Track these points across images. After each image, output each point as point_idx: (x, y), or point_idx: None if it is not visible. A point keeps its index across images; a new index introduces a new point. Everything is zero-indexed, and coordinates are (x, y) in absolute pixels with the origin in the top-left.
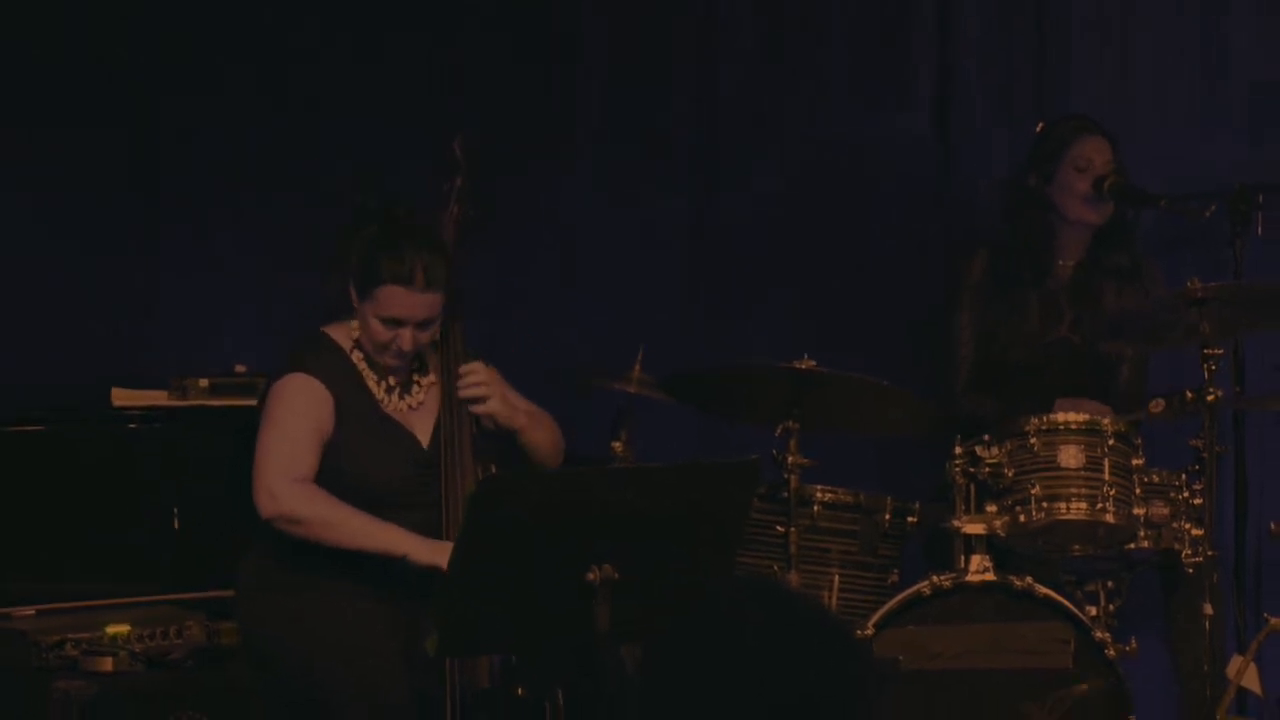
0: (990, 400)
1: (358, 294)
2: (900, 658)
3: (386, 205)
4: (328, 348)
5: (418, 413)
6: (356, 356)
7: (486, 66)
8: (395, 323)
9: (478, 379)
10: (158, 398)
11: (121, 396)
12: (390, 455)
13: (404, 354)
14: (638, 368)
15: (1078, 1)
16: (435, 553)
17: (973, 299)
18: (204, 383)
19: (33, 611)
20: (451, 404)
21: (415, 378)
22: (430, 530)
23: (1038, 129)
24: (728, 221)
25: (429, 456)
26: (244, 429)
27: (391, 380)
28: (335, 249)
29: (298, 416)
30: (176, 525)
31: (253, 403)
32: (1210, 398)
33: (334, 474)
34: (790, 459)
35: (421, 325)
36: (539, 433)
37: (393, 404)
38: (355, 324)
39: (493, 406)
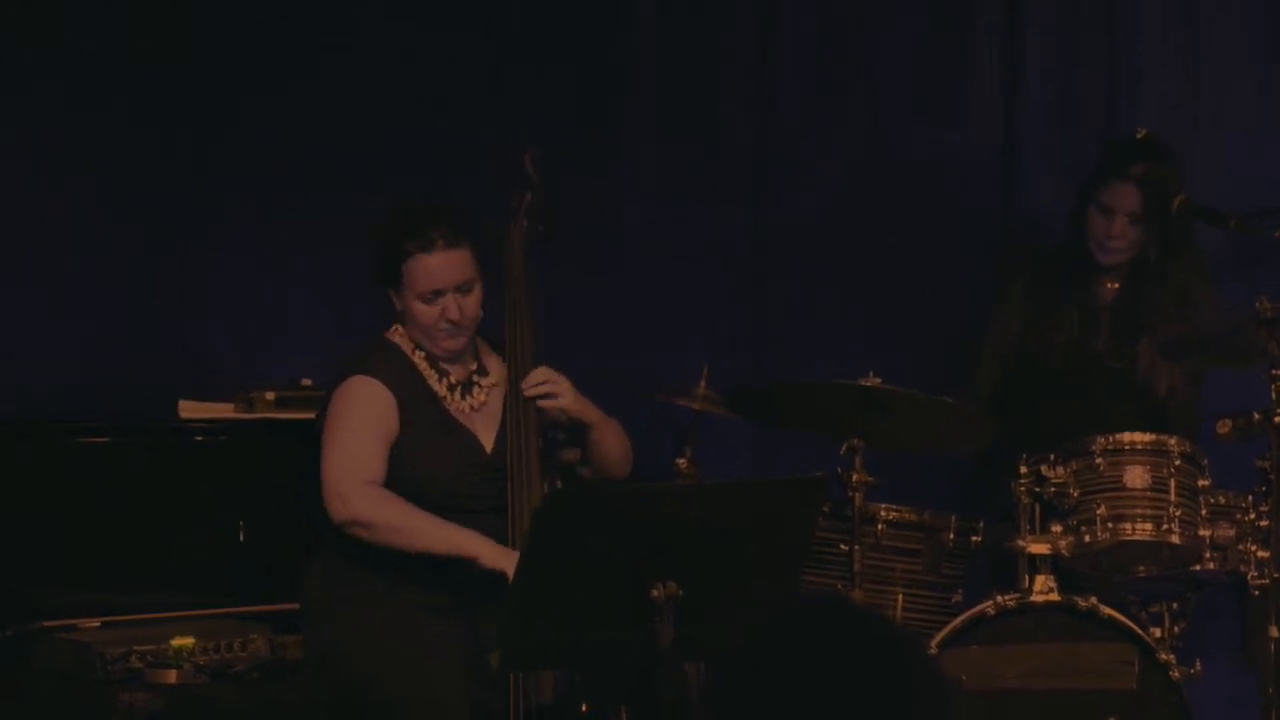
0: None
1: (393, 288)
2: (964, 678)
3: (397, 198)
4: (390, 350)
5: (480, 415)
6: (418, 357)
7: (541, 73)
8: (435, 295)
9: (542, 377)
10: (224, 410)
11: (188, 409)
12: (452, 458)
13: (457, 327)
14: (703, 384)
15: (1146, 16)
16: (504, 558)
17: (1011, 314)
18: (270, 395)
19: (98, 623)
20: (518, 406)
21: (476, 379)
22: (497, 536)
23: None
24: (787, 232)
25: (491, 462)
26: (310, 442)
27: (453, 379)
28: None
29: (363, 419)
30: (242, 538)
31: None
32: (1278, 418)
33: (402, 479)
34: (855, 477)
35: (461, 290)
36: (610, 434)
37: (456, 403)
38: (397, 329)
39: (565, 402)
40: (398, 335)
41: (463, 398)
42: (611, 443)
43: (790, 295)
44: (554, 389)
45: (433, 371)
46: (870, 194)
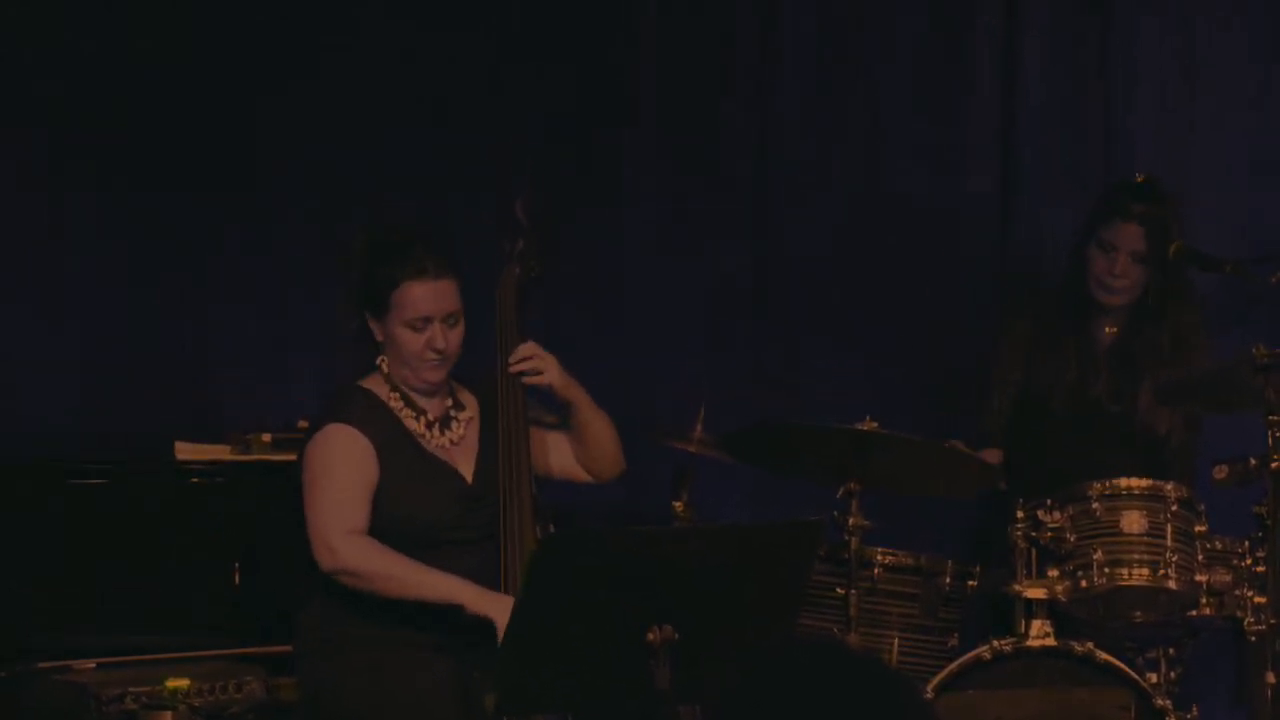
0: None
1: (376, 316)
2: None
3: (362, 225)
4: (363, 397)
5: (460, 448)
6: (393, 400)
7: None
8: (424, 322)
9: (528, 353)
10: (220, 452)
11: (184, 450)
12: (437, 495)
13: (444, 357)
14: (699, 427)
15: (1142, 61)
16: (490, 604)
17: (1011, 356)
18: (266, 437)
19: (93, 664)
20: (509, 438)
21: (453, 413)
22: (487, 568)
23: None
24: (783, 268)
25: (473, 492)
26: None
27: (431, 416)
28: (340, 291)
29: (343, 468)
30: (237, 580)
31: None
32: (1274, 464)
33: (384, 519)
34: (851, 520)
35: (448, 321)
36: (598, 418)
37: (434, 440)
38: (383, 360)
39: (550, 377)
40: (370, 381)
41: (441, 433)
42: (600, 427)
43: (791, 335)
44: (539, 364)
45: (409, 411)
46: (869, 237)
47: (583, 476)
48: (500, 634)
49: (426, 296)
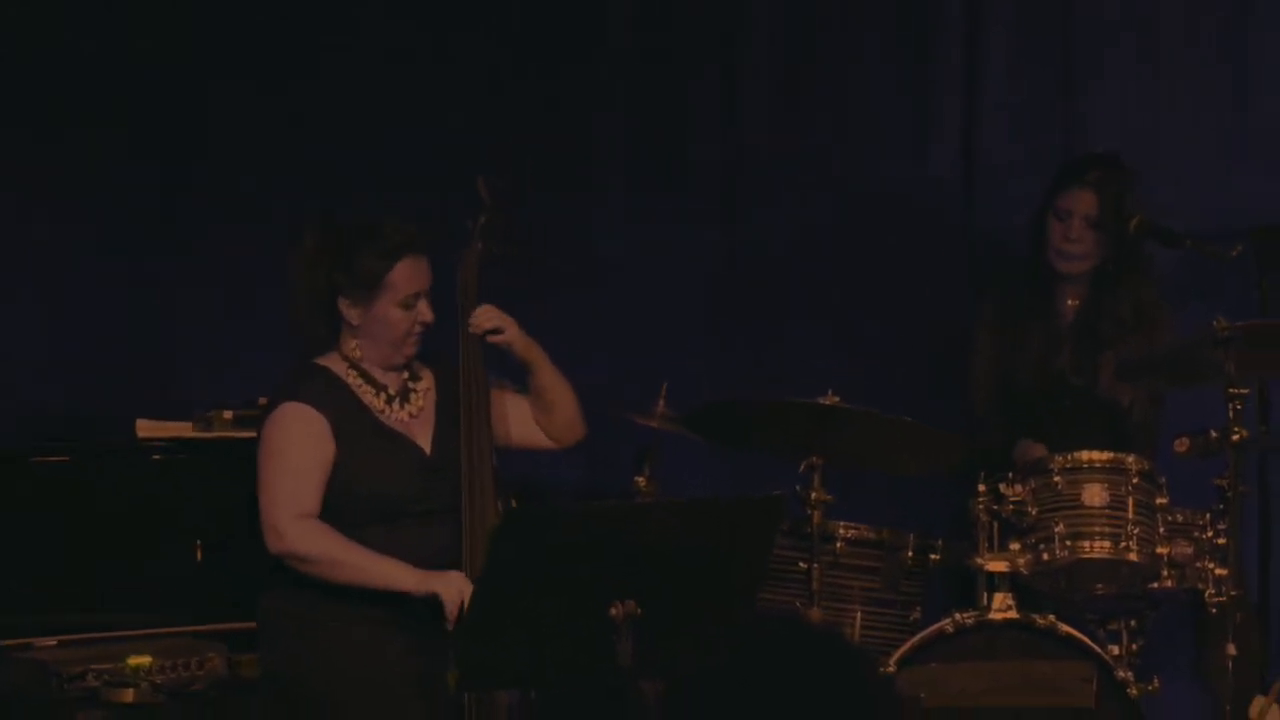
0: (1000, 435)
1: (361, 299)
2: (922, 695)
3: (316, 219)
4: (319, 374)
5: (418, 420)
6: (351, 376)
7: (516, 97)
8: (415, 298)
9: (489, 313)
10: (182, 429)
11: (146, 428)
12: (394, 467)
13: (426, 329)
14: (661, 403)
15: (1104, 39)
16: (434, 582)
17: (984, 337)
18: (228, 415)
19: (54, 642)
20: (471, 413)
21: (410, 385)
22: (450, 542)
23: None
24: (754, 256)
25: (432, 463)
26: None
27: (391, 390)
28: (302, 286)
29: (297, 448)
30: (199, 557)
31: None
32: (1235, 437)
33: (346, 495)
34: (813, 495)
35: (428, 295)
36: (558, 382)
37: (393, 414)
38: (354, 344)
39: (510, 336)
40: (327, 359)
41: (401, 406)
42: (559, 389)
43: (759, 316)
44: (500, 323)
45: (368, 388)
46: (836, 219)
47: (543, 442)
48: (448, 610)
49: (419, 272)
